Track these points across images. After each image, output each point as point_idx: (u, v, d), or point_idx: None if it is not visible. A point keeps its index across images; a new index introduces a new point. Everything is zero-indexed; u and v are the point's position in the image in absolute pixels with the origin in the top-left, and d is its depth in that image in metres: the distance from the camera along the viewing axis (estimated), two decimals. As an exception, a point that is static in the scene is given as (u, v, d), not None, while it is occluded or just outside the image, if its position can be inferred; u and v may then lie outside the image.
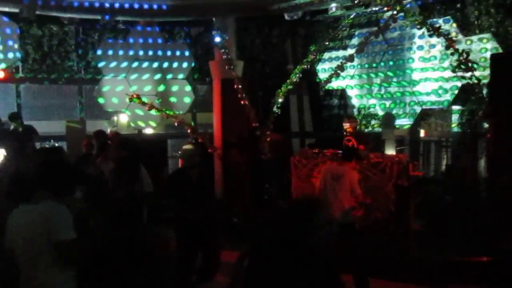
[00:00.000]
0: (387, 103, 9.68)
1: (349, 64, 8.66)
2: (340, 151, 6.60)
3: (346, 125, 7.33)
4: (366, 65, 9.75)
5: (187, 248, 5.23)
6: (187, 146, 5.61)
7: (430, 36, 6.72)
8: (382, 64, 9.55)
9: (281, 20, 9.70)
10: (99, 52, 10.24)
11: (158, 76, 10.49)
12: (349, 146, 6.16)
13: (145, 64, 10.43)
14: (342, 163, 5.91)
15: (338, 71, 8.50)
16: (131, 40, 10.43)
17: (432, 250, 6.53)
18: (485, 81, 7.08)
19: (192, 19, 10.18)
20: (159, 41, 10.62)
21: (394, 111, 9.51)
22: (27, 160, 5.84)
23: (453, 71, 6.59)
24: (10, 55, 9.48)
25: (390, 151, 9.11)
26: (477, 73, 6.55)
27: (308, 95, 11.86)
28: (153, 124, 10.48)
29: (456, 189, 7.95)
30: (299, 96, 11.71)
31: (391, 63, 9.43)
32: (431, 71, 8.82)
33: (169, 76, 10.56)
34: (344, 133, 7.35)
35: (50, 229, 2.67)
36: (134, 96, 8.33)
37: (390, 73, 9.46)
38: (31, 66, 10.03)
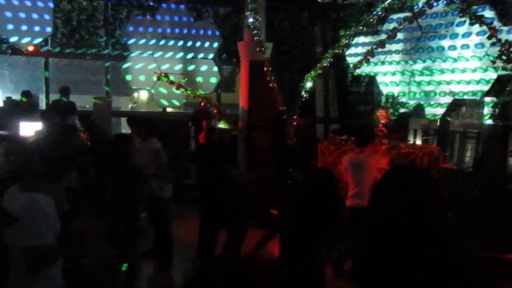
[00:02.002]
0: (417, 92, 9.47)
1: (379, 50, 8.45)
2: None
3: (379, 115, 7.18)
4: (398, 52, 9.52)
5: (210, 225, 5.27)
6: (222, 126, 5.63)
7: (472, 24, 6.49)
8: (414, 51, 9.30)
9: (311, 2, 9.50)
10: (126, 28, 10.20)
11: (185, 55, 10.43)
12: (362, 132, 5.81)
13: (172, 43, 10.37)
14: (361, 150, 5.63)
15: (368, 57, 8.31)
16: (159, 18, 10.36)
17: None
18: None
19: (221, -2, 10.05)
20: (187, 19, 10.54)
21: (423, 101, 9.31)
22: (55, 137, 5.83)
23: (493, 62, 6.36)
24: (41, 28, 9.50)
25: (417, 141, 8.97)
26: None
27: (334, 80, 11.68)
28: (176, 103, 10.46)
29: (485, 183, 7.78)
30: (325, 80, 11.53)
31: (423, 51, 9.19)
32: (464, 61, 8.57)
33: (196, 55, 10.50)
34: (376, 122, 7.21)
35: (21, 229, 2.32)
36: (162, 74, 8.27)
37: (421, 61, 9.22)
38: (59, 40, 10.06)
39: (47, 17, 9.53)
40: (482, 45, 8.26)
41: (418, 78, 9.31)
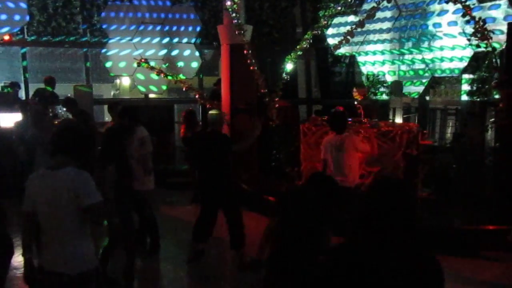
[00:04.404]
0: (397, 70, 9.57)
1: (370, 28, 8.48)
2: (350, 119, 6.57)
3: (355, 93, 7.28)
4: (377, 32, 9.57)
5: (207, 213, 5.34)
6: (213, 112, 5.56)
7: (447, 2, 6.57)
8: (394, 31, 9.36)
9: (290, -17, 9.47)
10: (104, 14, 10.05)
11: (165, 40, 10.36)
12: (336, 118, 5.77)
13: (152, 28, 10.27)
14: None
15: (348, 37, 8.38)
16: (137, 3, 10.23)
17: (439, 218, 6.63)
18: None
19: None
20: (166, 3, 10.43)
21: (403, 79, 9.40)
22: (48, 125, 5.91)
23: (468, 39, 6.47)
24: (17, 17, 9.32)
25: (398, 119, 9.10)
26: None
27: (315, 61, 11.73)
28: (154, 89, 10.40)
29: (463, 158, 7.98)
30: (306, 61, 11.59)
31: (403, 29, 9.24)
32: (443, 39, 8.66)
33: (176, 40, 10.43)
34: (355, 102, 7.32)
35: (78, 195, 2.76)
36: (143, 60, 8.23)
37: (401, 40, 9.29)
38: (36, 29, 9.87)
39: (22, 5, 9.33)
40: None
41: (406, 57, 9.31)
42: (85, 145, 2.97)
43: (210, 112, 5.52)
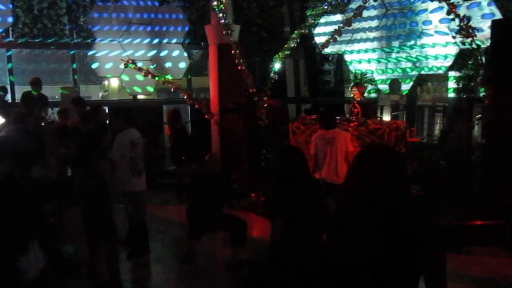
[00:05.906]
0: (385, 68, 9.62)
1: (346, 28, 8.53)
2: (338, 117, 6.60)
3: (355, 92, 7.34)
4: (365, 31, 9.62)
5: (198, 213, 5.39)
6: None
7: (431, 0, 6.62)
8: (380, 29, 9.41)
9: (278, -18, 9.47)
10: (91, 15, 9.96)
11: (152, 41, 10.30)
12: (326, 116, 5.86)
13: (139, 28, 10.20)
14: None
15: (336, 36, 8.40)
16: (126, 3, 10.15)
17: (428, 215, 6.66)
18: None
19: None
20: (154, 4, 10.37)
21: (392, 77, 9.46)
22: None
23: (453, 37, 6.54)
24: (1, 18, 9.20)
25: (386, 116, 9.17)
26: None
27: (304, 60, 11.76)
28: (138, 90, 10.31)
29: (451, 154, 8.06)
30: (295, 60, 11.61)
31: (390, 28, 9.30)
32: (430, 37, 8.73)
33: (164, 40, 10.37)
34: (352, 100, 7.37)
35: None
36: (130, 61, 8.17)
37: (389, 39, 9.35)
38: (21, 30, 9.75)
39: (6, 6, 9.21)
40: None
41: (394, 55, 9.37)
42: (23, 154, 2.95)
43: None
